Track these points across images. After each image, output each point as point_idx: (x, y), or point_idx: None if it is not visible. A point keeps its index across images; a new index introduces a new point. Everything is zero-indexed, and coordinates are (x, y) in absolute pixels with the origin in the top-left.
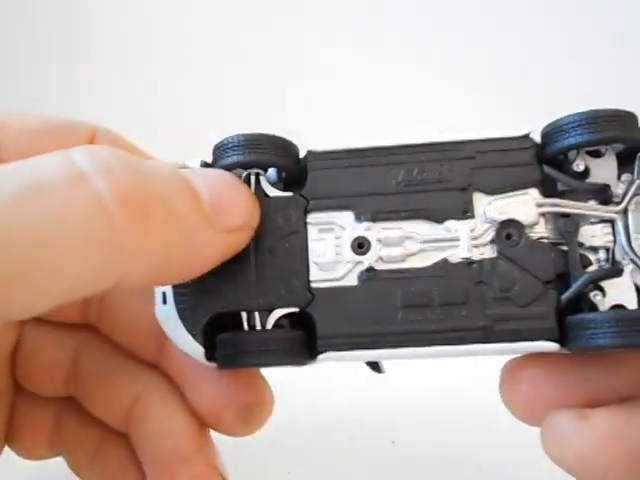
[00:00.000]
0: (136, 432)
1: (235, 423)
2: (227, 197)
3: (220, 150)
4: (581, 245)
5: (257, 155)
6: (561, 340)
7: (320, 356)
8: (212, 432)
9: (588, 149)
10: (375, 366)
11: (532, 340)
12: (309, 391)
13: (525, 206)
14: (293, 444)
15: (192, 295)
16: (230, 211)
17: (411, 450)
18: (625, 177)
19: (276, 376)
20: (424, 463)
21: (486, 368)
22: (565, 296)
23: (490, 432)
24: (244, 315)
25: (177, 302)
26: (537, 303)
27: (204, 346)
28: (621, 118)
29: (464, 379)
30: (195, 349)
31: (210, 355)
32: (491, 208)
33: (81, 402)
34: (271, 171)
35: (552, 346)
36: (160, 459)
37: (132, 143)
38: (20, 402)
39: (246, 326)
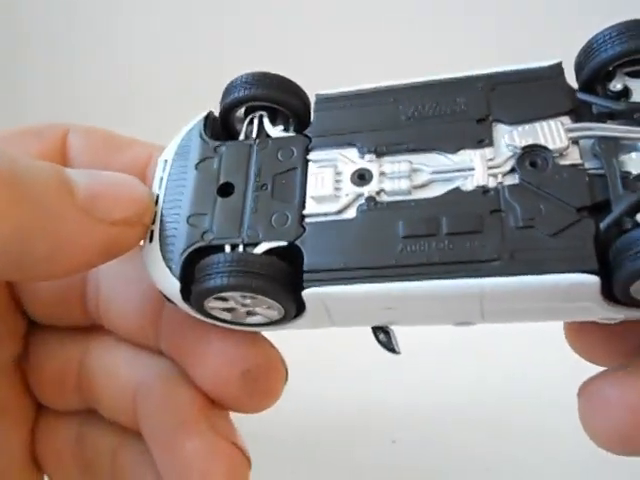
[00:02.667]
0: (141, 418)
1: (240, 392)
2: (110, 188)
3: (227, 90)
4: (627, 174)
5: (260, 91)
6: (603, 279)
7: (306, 292)
8: None
9: (627, 69)
10: (387, 343)
11: (564, 272)
12: (309, 390)
13: (553, 131)
14: (294, 443)
15: (179, 232)
16: (112, 202)
17: (411, 450)
18: None
19: None
20: (424, 463)
21: (488, 367)
22: (605, 222)
23: (491, 432)
24: (227, 249)
25: (162, 237)
26: (570, 231)
27: (181, 281)
28: None
29: (465, 378)
30: (171, 285)
31: (188, 294)
32: (512, 134)
33: (94, 406)
34: (279, 127)
35: (590, 280)
36: (164, 436)
37: (111, 132)
38: (43, 422)
39: None
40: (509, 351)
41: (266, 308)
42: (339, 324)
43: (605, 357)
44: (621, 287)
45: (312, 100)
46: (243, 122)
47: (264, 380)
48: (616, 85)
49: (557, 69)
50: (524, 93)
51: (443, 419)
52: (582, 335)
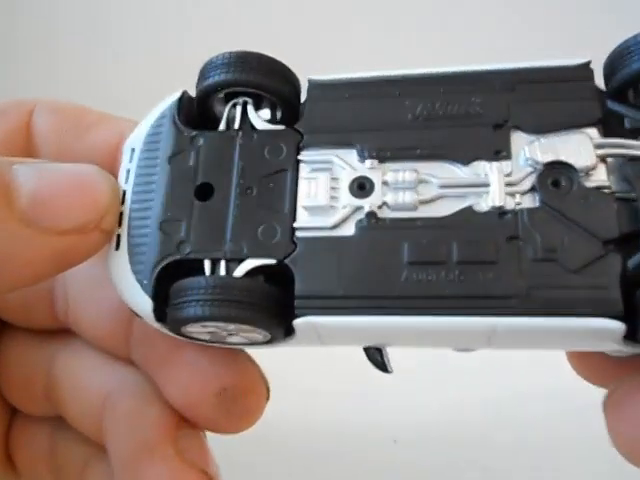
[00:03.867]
0: (106, 434)
1: (214, 412)
2: (61, 190)
3: (203, 71)
4: None
5: (243, 75)
6: (628, 324)
7: (297, 321)
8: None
9: None
10: (380, 362)
11: (586, 315)
12: (310, 390)
13: (579, 145)
14: (294, 443)
15: (151, 239)
16: (61, 209)
17: (413, 449)
18: None
19: (274, 375)
20: (426, 462)
21: (490, 367)
22: (634, 260)
23: (493, 431)
24: (207, 264)
25: (131, 247)
26: (594, 268)
27: (154, 299)
28: None
29: (466, 378)
30: (143, 303)
31: (161, 315)
32: (533, 147)
33: (63, 415)
34: (265, 110)
35: (615, 326)
36: (126, 456)
37: (82, 107)
38: (16, 425)
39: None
40: (510, 352)
41: (251, 332)
42: (330, 345)
43: (611, 379)
44: None
45: (304, 86)
46: (223, 106)
47: (242, 400)
48: None
49: (586, 70)
50: (547, 96)
51: (445, 419)
52: (586, 359)
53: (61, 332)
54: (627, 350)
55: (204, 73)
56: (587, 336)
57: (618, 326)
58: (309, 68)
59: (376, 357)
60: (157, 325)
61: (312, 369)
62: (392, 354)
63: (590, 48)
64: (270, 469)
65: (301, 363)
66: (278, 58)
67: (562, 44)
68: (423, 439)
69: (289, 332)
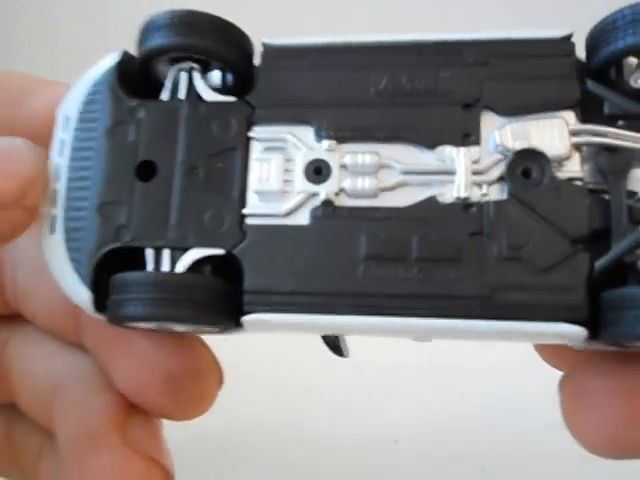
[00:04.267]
0: (55, 422)
1: (163, 399)
2: None
3: (143, 31)
4: (632, 195)
5: (188, 39)
6: (591, 325)
7: (245, 318)
8: None
9: None
10: (336, 346)
11: (549, 320)
12: (310, 389)
13: (554, 132)
14: (294, 443)
15: (89, 223)
16: None
17: (413, 449)
18: None
19: (275, 374)
20: (427, 462)
21: (491, 367)
22: (602, 262)
23: (494, 431)
24: (149, 253)
25: (68, 231)
26: (560, 268)
27: (93, 290)
28: None
29: (467, 378)
30: (81, 294)
31: (102, 304)
32: (504, 132)
33: (16, 403)
34: (215, 74)
35: (577, 331)
36: (73, 445)
37: (21, 72)
38: None
39: (151, 267)
40: (511, 352)
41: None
42: (283, 333)
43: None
44: (611, 341)
45: (258, 50)
46: (166, 73)
47: (191, 386)
48: (638, 79)
49: (566, 44)
50: (523, 73)
51: (446, 418)
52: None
53: (12, 318)
54: (589, 347)
55: (144, 34)
56: (549, 338)
57: (581, 331)
58: (270, 30)
59: (332, 341)
60: (98, 316)
61: (312, 368)
62: (392, 353)
63: (577, 14)
64: (271, 469)
65: (301, 362)
66: (231, 18)
67: (546, 9)
68: (424, 439)
69: (239, 323)
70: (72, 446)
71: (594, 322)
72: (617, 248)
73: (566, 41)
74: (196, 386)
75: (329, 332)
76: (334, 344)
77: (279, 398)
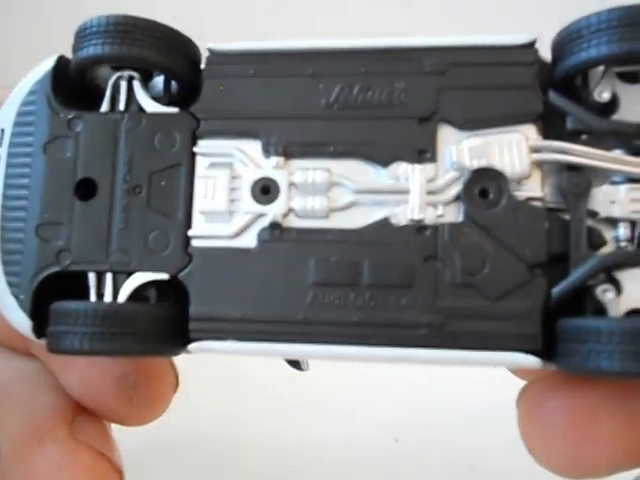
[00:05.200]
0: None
1: (115, 401)
2: None
3: (79, 37)
4: (594, 215)
5: (122, 48)
6: (547, 353)
7: (191, 346)
8: None
9: (619, 69)
10: (293, 361)
11: (501, 350)
12: (311, 389)
13: (513, 149)
14: (295, 442)
15: (27, 246)
16: None
17: (415, 448)
18: None
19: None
20: (428, 461)
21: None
22: (559, 289)
23: (495, 431)
24: (92, 278)
25: (5, 253)
26: (516, 296)
27: (33, 317)
28: None
29: (468, 377)
30: (20, 320)
31: (43, 330)
32: (461, 149)
33: None
34: (158, 82)
35: (531, 361)
36: (17, 444)
37: None
38: None
39: (93, 294)
40: None
41: None
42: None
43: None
44: (565, 370)
45: (204, 54)
46: (106, 80)
47: (144, 388)
48: (602, 92)
49: (529, 52)
50: (483, 84)
51: (447, 418)
52: None
53: None
54: (547, 368)
55: (77, 42)
56: (504, 365)
57: (535, 361)
58: (211, 29)
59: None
60: (39, 342)
61: (312, 368)
62: None
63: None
64: (272, 469)
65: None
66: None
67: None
68: (425, 438)
69: (186, 346)
70: (16, 445)
71: (551, 347)
72: (575, 274)
73: (529, 48)
74: (149, 389)
75: (279, 357)
76: (291, 359)
77: (278, 400)
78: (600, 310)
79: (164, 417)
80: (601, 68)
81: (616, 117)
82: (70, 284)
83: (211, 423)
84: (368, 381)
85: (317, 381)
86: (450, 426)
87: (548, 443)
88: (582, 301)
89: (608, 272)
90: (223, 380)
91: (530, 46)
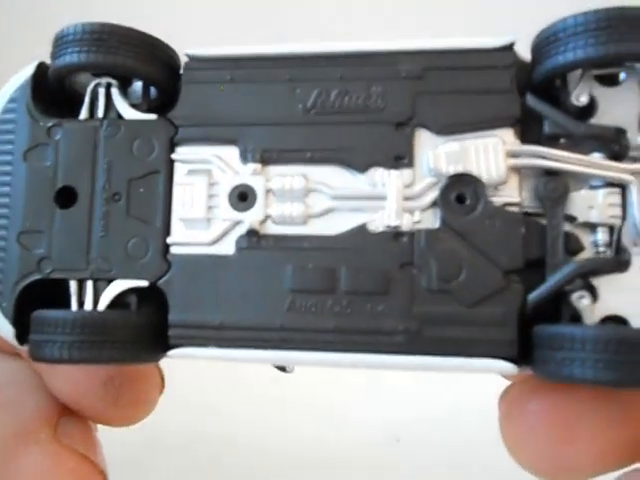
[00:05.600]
0: None
1: (101, 403)
2: None
3: (57, 45)
4: (572, 220)
5: (100, 56)
6: (524, 358)
7: (171, 352)
8: None
9: (597, 71)
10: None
11: (477, 356)
12: (312, 389)
13: (490, 154)
14: (296, 442)
15: (10, 253)
16: None
17: (416, 448)
18: None
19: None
20: (429, 461)
21: None
22: (535, 295)
23: (496, 430)
24: (73, 285)
25: None
26: (492, 302)
27: (16, 324)
28: None
29: (469, 377)
30: (3, 327)
31: (25, 337)
32: (438, 154)
33: None
34: (137, 88)
35: (507, 368)
36: (3, 445)
37: None
38: None
39: (74, 301)
40: None
41: None
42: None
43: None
44: (540, 376)
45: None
46: (86, 86)
47: (130, 390)
48: (580, 96)
49: (507, 55)
50: (460, 88)
51: (448, 417)
52: None
53: None
54: (525, 372)
55: (54, 50)
56: (480, 371)
57: (511, 368)
58: (188, 34)
59: None
60: (22, 348)
61: (312, 369)
62: None
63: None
64: (274, 469)
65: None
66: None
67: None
68: (426, 438)
69: (166, 352)
70: (2, 446)
71: (528, 352)
72: (551, 280)
73: (507, 51)
74: (135, 390)
75: (259, 363)
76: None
77: (278, 400)
78: (576, 316)
79: (159, 417)
80: (580, 71)
81: (594, 121)
82: (53, 291)
83: (211, 423)
84: (369, 381)
85: (318, 381)
86: (451, 426)
87: (528, 445)
88: (559, 307)
89: (585, 278)
90: (221, 380)
91: (508, 48)
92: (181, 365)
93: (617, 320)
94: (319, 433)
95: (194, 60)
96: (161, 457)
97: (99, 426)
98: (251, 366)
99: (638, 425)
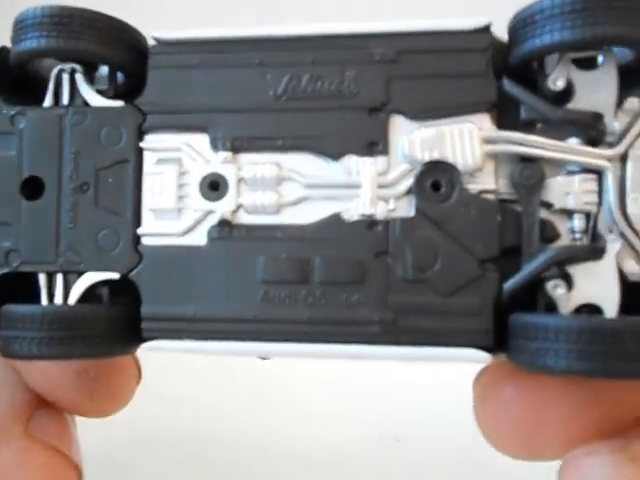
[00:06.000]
0: None
1: (76, 394)
2: None
3: (17, 29)
4: (548, 206)
5: (60, 41)
6: (500, 346)
7: (144, 345)
8: None
9: (574, 55)
10: None
11: (453, 345)
12: (312, 388)
13: (465, 141)
14: (296, 442)
15: None
16: None
17: (415, 448)
18: (629, 104)
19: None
20: (429, 461)
21: None
22: (511, 283)
23: None
24: (42, 279)
25: None
26: (467, 291)
27: None
28: (635, 7)
29: (470, 377)
30: None
31: None
32: (413, 140)
33: None
34: (104, 74)
35: (482, 357)
36: None
37: None
38: None
39: (44, 295)
40: None
41: None
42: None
43: None
44: (515, 365)
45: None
46: (50, 72)
47: (106, 381)
48: (557, 80)
49: (484, 37)
50: (435, 71)
51: (449, 417)
52: None
53: None
54: (498, 359)
55: (14, 34)
56: (455, 360)
57: (486, 357)
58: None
59: None
60: None
61: (315, 367)
62: None
63: None
64: (273, 469)
65: (303, 362)
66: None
67: None
68: (426, 438)
69: (139, 346)
70: None
71: (504, 339)
72: (527, 269)
73: (483, 32)
74: (110, 382)
75: (233, 355)
76: None
77: (277, 399)
78: (552, 305)
79: (143, 413)
80: (557, 54)
81: (571, 105)
82: (24, 285)
83: (196, 419)
84: (369, 380)
85: (318, 380)
86: (452, 425)
87: (501, 428)
88: (536, 295)
89: (560, 266)
90: (208, 376)
91: (484, 30)
92: (165, 360)
93: (592, 308)
94: (317, 432)
95: (161, 44)
96: (145, 454)
97: (82, 423)
98: (239, 361)
99: (607, 408)
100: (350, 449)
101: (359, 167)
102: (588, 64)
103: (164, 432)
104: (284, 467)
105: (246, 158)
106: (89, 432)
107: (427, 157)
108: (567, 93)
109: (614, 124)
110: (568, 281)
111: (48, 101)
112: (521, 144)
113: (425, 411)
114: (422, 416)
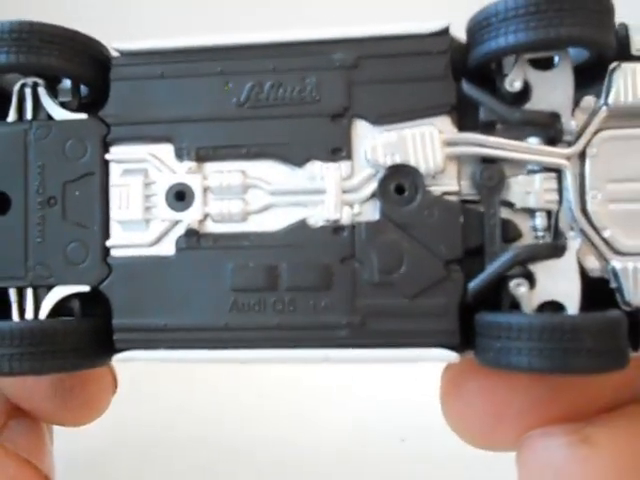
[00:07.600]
0: None
1: (50, 403)
2: None
3: None
4: (510, 206)
5: (21, 57)
6: (468, 344)
7: (117, 357)
8: None
9: (531, 56)
10: None
11: (420, 346)
12: (314, 389)
13: (427, 144)
14: (303, 442)
15: None
16: None
17: (421, 448)
18: (586, 102)
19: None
20: (434, 461)
21: None
22: (475, 283)
23: None
24: (12, 294)
25: None
26: (433, 293)
27: None
28: (587, 8)
29: None
30: None
31: None
32: (375, 145)
33: None
34: (67, 83)
35: (449, 356)
36: None
37: None
38: None
39: (15, 311)
40: None
41: None
42: None
43: None
44: (481, 363)
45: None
46: (12, 87)
47: (81, 390)
48: (514, 81)
49: (442, 40)
50: (395, 76)
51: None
52: None
53: None
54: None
55: None
56: (424, 360)
57: (453, 356)
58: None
59: None
60: None
61: (319, 369)
62: None
63: None
64: (278, 468)
65: (305, 365)
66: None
67: None
68: (431, 438)
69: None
70: None
71: (471, 337)
72: (490, 269)
73: (441, 36)
74: (86, 391)
75: (207, 363)
76: None
77: (282, 397)
78: (514, 304)
79: (127, 417)
80: (514, 56)
81: (529, 106)
82: None
83: (180, 422)
84: (374, 381)
85: (320, 381)
86: None
87: (465, 419)
88: (498, 295)
89: (523, 265)
90: (192, 379)
91: (443, 33)
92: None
93: (555, 306)
94: (322, 433)
95: (123, 55)
96: (126, 458)
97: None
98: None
99: (566, 403)
100: (356, 449)
101: (323, 173)
102: (545, 65)
103: (146, 435)
104: (290, 468)
105: (211, 167)
106: (72, 436)
107: (390, 161)
108: (525, 93)
109: (571, 123)
110: (530, 279)
111: (12, 116)
112: (481, 145)
113: (431, 411)
114: (428, 416)
